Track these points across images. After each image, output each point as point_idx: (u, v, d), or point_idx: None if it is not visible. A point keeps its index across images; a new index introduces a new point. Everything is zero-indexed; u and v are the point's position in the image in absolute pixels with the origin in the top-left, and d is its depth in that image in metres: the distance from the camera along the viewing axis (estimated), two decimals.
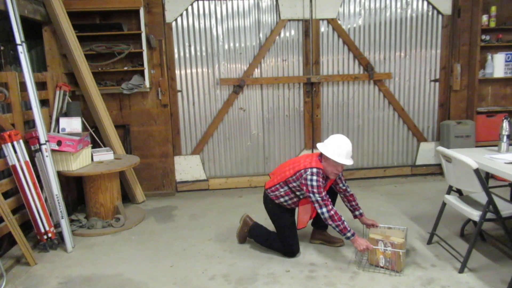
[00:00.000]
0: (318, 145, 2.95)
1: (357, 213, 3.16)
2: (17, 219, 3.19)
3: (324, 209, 2.79)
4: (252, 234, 3.27)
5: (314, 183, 2.80)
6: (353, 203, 3.15)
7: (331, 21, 4.70)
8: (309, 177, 2.81)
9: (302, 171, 2.87)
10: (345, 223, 2.81)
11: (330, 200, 2.85)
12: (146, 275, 2.91)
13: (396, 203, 4.18)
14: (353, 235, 2.81)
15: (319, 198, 2.79)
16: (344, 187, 3.14)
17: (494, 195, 2.79)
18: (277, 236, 3.12)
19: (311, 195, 2.81)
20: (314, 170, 2.83)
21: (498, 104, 5.02)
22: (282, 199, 3.05)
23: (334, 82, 4.86)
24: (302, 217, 3.09)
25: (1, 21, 3.41)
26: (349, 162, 2.86)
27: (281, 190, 3.02)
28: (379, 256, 2.82)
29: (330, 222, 2.80)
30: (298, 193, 2.99)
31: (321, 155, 2.93)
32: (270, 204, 3.12)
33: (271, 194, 3.08)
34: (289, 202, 3.05)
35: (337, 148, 2.84)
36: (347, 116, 4.96)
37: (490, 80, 4.90)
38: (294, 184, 2.94)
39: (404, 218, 3.77)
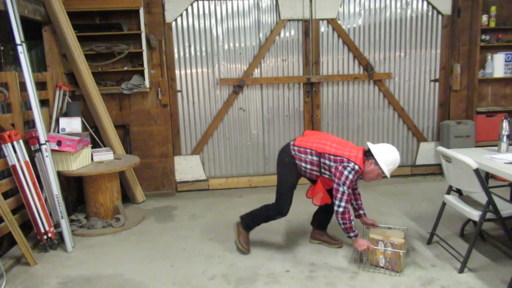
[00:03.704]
0: (372, 147, 2.82)
1: (361, 212, 3.14)
2: (17, 219, 3.19)
3: (343, 203, 2.73)
4: (246, 224, 3.18)
5: (350, 177, 2.71)
6: (359, 201, 3.14)
7: (331, 21, 4.70)
8: (349, 169, 2.71)
9: (345, 159, 2.75)
10: (353, 223, 2.79)
11: (350, 200, 2.82)
12: (146, 275, 2.91)
13: (396, 203, 4.18)
14: (356, 236, 2.80)
15: (346, 191, 2.72)
16: (356, 186, 3.12)
17: (494, 195, 2.79)
18: (276, 193, 3.02)
19: (341, 185, 2.72)
20: (356, 167, 2.74)
21: (498, 104, 5.02)
22: (303, 164, 2.91)
23: (334, 82, 4.86)
24: (318, 191, 2.99)
25: (1, 21, 3.41)
26: (389, 174, 2.84)
27: (309, 157, 2.87)
28: (379, 256, 2.82)
29: (339, 218, 2.75)
30: (323, 170, 2.88)
31: (366, 155, 2.82)
32: (287, 159, 2.96)
33: (296, 153, 2.92)
34: (307, 171, 2.93)
35: (392, 161, 2.79)
36: (347, 116, 4.96)
37: (490, 80, 4.90)
38: (327, 162, 2.81)
39: (404, 218, 3.77)
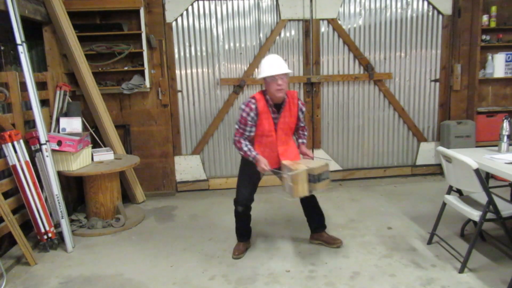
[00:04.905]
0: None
1: (299, 141, 3.17)
2: (17, 219, 3.19)
3: (236, 138, 2.92)
4: (237, 236, 3.25)
5: (243, 114, 2.86)
6: (301, 132, 3.17)
7: (331, 21, 4.70)
8: (242, 107, 2.89)
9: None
10: (246, 148, 2.88)
11: (244, 134, 2.90)
12: (146, 275, 2.91)
13: (396, 203, 4.18)
14: (254, 158, 2.87)
15: (237, 126, 2.92)
16: (303, 125, 3.14)
17: (494, 195, 2.79)
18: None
19: (236, 123, 2.93)
20: (248, 99, 2.89)
21: (498, 104, 5.02)
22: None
23: (334, 82, 4.86)
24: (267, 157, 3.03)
25: (1, 21, 3.41)
26: (279, 70, 2.79)
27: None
28: (284, 182, 2.84)
29: (235, 147, 2.95)
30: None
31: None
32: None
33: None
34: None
35: (263, 65, 2.87)
36: (347, 116, 4.96)
37: (490, 80, 4.90)
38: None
39: (404, 218, 3.77)
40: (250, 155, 2.88)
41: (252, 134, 2.93)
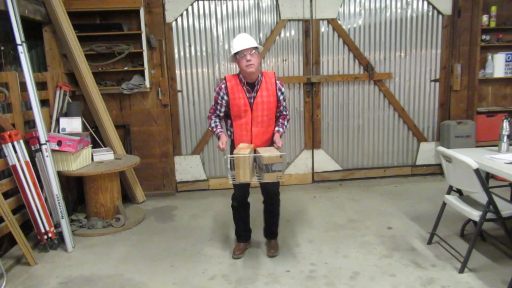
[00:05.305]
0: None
1: (276, 129, 3.04)
2: (17, 219, 3.19)
3: (209, 114, 3.05)
4: (236, 235, 3.27)
5: (214, 94, 2.99)
6: (281, 121, 3.07)
7: (331, 21, 4.70)
8: (215, 87, 3.04)
9: None
10: (212, 124, 3.01)
11: (215, 111, 3.01)
12: (146, 275, 2.91)
13: (396, 203, 4.18)
14: (217, 134, 2.98)
15: (212, 104, 3.04)
16: (285, 113, 3.09)
17: (494, 195, 2.79)
18: None
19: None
20: (222, 82, 2.96)
21: (498, 104, 5.02)
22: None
23: (334, 82, 4.86)
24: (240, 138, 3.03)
25: (1, 21, 3.41)
26: (246, 45, 2.79)
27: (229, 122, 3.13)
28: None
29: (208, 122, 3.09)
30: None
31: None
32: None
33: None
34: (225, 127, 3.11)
35: (232, 44, 2.87)
36: (347, 116, 4.96)
37: (490, 80, 4.90)
38: None
39: (404, 218, 3.77)
40: (215, 131, 2.99)
41: (222, 114, 3.01)
